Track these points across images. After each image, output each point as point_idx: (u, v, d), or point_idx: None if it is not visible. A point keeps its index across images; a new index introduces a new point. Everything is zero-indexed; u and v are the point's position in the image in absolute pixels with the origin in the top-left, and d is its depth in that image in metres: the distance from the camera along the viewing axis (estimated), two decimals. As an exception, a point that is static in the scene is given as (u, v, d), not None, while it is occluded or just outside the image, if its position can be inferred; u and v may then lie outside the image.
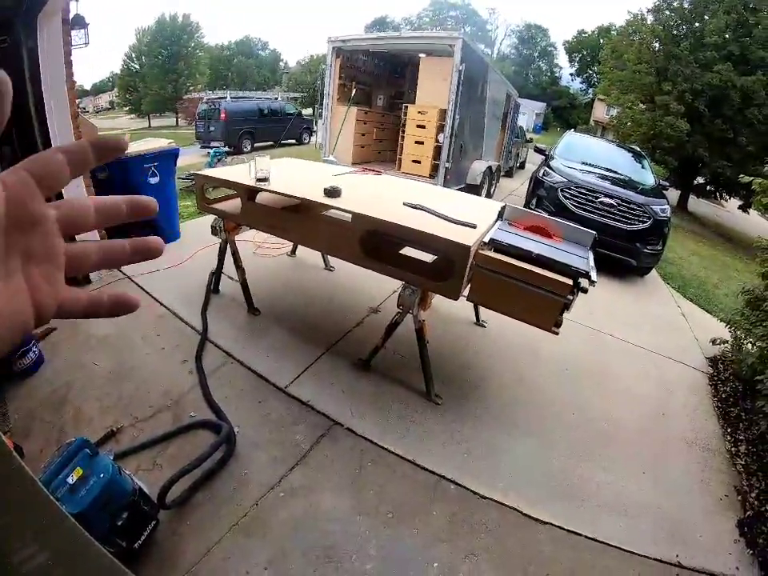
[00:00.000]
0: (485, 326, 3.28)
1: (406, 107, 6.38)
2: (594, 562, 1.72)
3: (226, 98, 16.39)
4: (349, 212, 2.24)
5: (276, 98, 19.72)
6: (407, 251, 2.57)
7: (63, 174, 0.29)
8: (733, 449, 2.48)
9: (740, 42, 11.57)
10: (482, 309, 3.18)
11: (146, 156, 3.64)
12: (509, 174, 11.98)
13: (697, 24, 12.73)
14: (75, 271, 0.31)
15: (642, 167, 6.53)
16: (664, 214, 5.11)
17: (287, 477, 1.88)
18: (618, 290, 4.76)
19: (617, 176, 5.85)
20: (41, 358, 2.35)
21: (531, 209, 5.17)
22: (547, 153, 6.47)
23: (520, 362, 2.97)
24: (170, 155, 3.88)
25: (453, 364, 2.79)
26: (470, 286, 2.11)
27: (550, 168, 5.68)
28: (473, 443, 2.19)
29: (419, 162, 6.31)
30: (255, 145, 14.08)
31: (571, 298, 1.89)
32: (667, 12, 13.27)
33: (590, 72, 43.95)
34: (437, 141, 6.04)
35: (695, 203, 15.85)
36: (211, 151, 8.49)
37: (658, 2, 13.45)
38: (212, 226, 2.94)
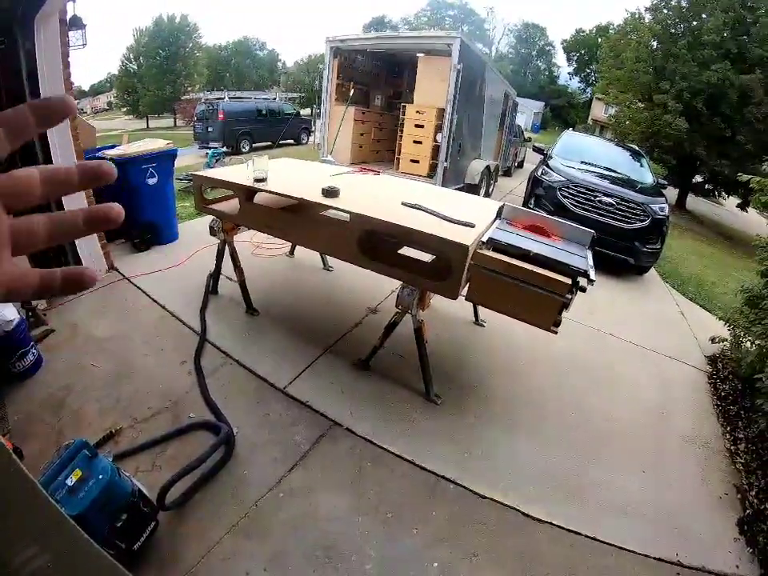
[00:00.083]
0: (483, 326, 3.28)
1: (404, 107, 6.38)
2: (593, 562, 1.72)
3: (224, 98, 16.42)
4: (347, 212, 2.23)
5: (274, 99, 19.75)
6: (406, 251, 2.56)
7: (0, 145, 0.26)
8: (732, 447, 2.48)
9: (738, 40, 11.60)
10: (480, 308, 3.18)
11: (144, 157, 3.64)
12: (507, 173, 11.99)
13: (694, 22, 12.75)
14: (24, 248, 0.29)
15: (641, 166, 6.53)
16: (663, 213, 5.11)
17: (287, 477, 1.88)
18: (616, 289, 4.77)
19: (615, 175, 5.85)
20: (39, 360, 2.35)
21: (530, 208, 5.17)
22: (546, 152, 6.48)
23: (519, 361, 2.97)
24: (168, 156, 3.87)
25: (452, 364, 2.79)
26: (468, 285, 2.11)
27: (549, 167, 5.68)
28: (472, 443, 2.19)
29: (417, 162, 6.31)
30: (254, 145, 14.09)
31: (570, 297, 1.89)
32: (665, 11, 13.31)
33: (588, 71, 44.05)
34: (435, 140, 6.04)
35: (694, 202, 15.88)
36: (209, 152, 8.48)
37: (655, 1, 13.50)
38: (210, 227, 2.94)
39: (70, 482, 1.35)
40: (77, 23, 4.56)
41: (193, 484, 1.75)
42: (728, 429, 2.64)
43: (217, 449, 1.89)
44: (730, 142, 11.79)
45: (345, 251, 2.37)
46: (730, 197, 14.60)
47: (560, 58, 50.52)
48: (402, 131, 6.41)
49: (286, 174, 2.98)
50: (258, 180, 2.54)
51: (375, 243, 2.35)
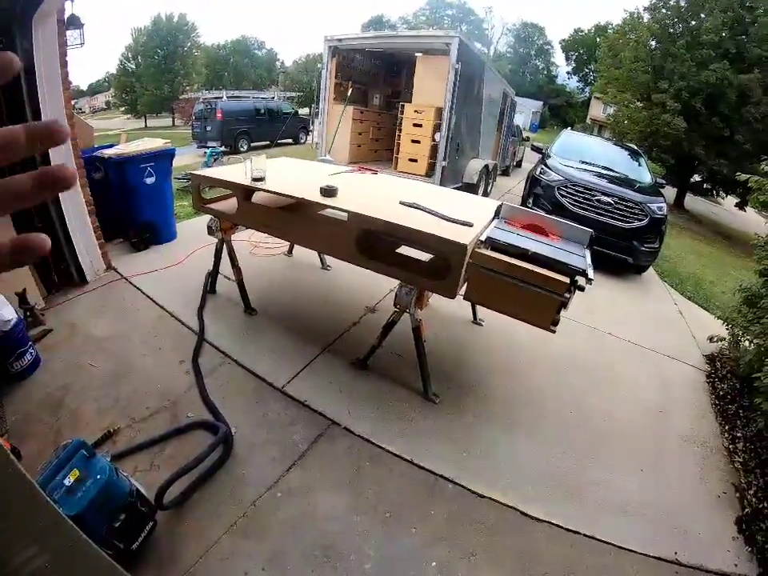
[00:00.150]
0: (482, 325, 3.28)
1: (403, 106, 6.38)
2: (592, 561, 1.72)
3: (222, 97, 16.36)
4: (345, 211, 2.23)
5: (272, 98, 19.71)
6: (404, 250, 2.56)
7: None
8: (731, 446, 2.48)
9: (736, 40, 11.62)
10: (479, 307, 3.18)
11: (143, 156, 3.63)
12: (506, 172, 11.99)
13: (693, 22, 12.77)
14: None
15: (639, 165, 6.54)
16: (661, 212, 5.12)
17: (285, 477, 1.88)
18: (615, 288, 4.77)
19: (614, 174, 5.85)
20: (37, 360, 2.34)
21: (528, 207, 5.18)
22: (544, 151, 6.48)
23: (517, 360, 2.97)
24: (167, 155, 3.87)
25: (450, 363, 2.79)
26: (466, 284, 2.11)
27: (547, 166, 5.69)
28: (471, 442, 2.19)
29: (416, 161, 6.31)
30: (252, 144, 14.07)
31: (568, 296, 1.89)
32: (663, 10, 13.31)
33: (587, 70, 44.06)
34: (433, 139, 6.04)
35: (692, 201, 15.91)
36: (208, 151, 8.45)
37: (654, 1, 13.49)
38: (208, 226, 2.93)
39: (68, 482, 1.34)
40: (75, 22, 4.55)
41: (191, 484, 1.74)
42: (726, 428, 2.65)
43: (215, 448, 1.88)
44: (728, 142, 11.81)
45: (343, 250, 2.36)
46: (729, 196, 14.64)
47: (558, 58, 50.63)
48: (400, 130, 6.41)
49: (285, 174, 2.98)
50: (256, 179, 2.54)
51: (373, 242, 2.34)
